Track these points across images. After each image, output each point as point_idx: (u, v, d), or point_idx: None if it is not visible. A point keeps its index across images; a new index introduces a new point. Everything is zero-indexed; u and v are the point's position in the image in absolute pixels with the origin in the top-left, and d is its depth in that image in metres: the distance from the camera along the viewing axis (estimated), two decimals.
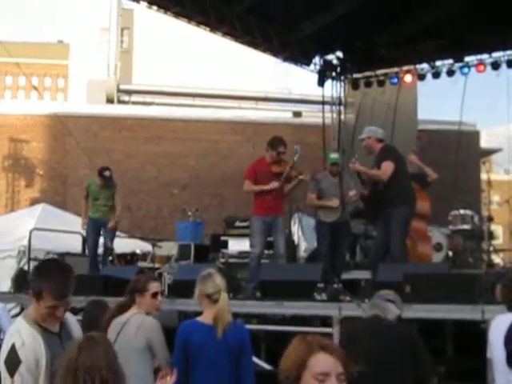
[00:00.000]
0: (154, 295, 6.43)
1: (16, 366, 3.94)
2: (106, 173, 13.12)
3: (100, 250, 13.55)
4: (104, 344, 3.59)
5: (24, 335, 4.03)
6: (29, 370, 3.96)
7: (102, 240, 13.32)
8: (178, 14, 16.36)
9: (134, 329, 6.08)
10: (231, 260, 13.83)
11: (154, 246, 15.23)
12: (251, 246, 10.93)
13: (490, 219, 14.66)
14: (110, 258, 13.25)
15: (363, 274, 11.87)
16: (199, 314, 6.06)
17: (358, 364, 5.57)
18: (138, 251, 15.16)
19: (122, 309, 6.38)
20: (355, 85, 20.17)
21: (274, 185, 10.45)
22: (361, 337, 5.73)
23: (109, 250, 13.14)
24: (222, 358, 5.64)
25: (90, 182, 13.58)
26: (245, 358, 5.78)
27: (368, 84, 19.85)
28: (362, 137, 10.45)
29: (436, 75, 18.86)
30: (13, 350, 3.97)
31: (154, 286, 6.48)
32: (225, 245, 14.22)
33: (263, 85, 35.14)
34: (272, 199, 10.49)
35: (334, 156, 11.18)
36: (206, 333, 5.67)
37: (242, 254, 11.96)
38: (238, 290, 10.36)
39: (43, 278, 4.14)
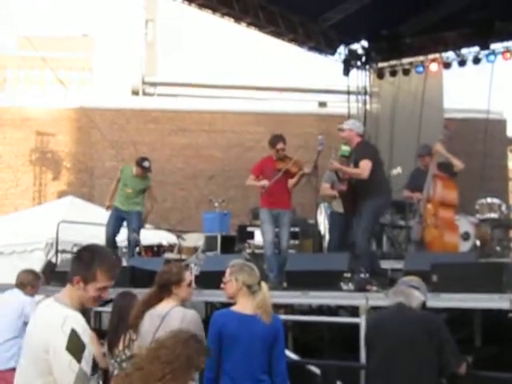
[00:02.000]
0: (190, 284, 6.48)
1: (82, 351, 3.95)
2: (146, 163, 12.82)
3: (125, 243, 13.58)
4: None
5: (80, 321, 4.07)
6: (89, 355, 4.02)
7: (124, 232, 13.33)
8: (202, 6, 16.38)
9: (177, 323, 6.06)
10: (257, 251, 13.83)
11: (178, 237, 15.26)
12: (262, 234, 11.13)
13: None
14: (137, 249, 13.23)
15: (390, 264, 11.85)
16: (226, 304, 6.06)
17: (384, 352, 5.59)
18: (164, 243, 15.18)
19: (152, 301, 6.38)
20: (380, 74, 20.11)
21: (263, 183, 10.79)
22: (385, 325, 5.72)
23: (134, 242, 13.05)
24: (256, 348, 5.63)
25: (124, 167, 13.36)
26: (278, 348, 5.76)
27: (393, 73, 19.79)
28: (344, 127, 10.53)
29: (462, 63, 18.77)
30: (75, 335, 3.95)
31: (188, 275, 6.52)
32: (251, 236, 14.23)
33: (288, 75, 35.06)
34: (274, 194, 10.80)
35: (344, 148, 11.21)
36: (242, 323, 5.65)
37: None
38: (265, 281, 10.36)
39: (97, 259, 4.25)
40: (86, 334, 4.03)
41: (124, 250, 13.74)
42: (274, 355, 5.70)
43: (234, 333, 5.63)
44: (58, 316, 4.04)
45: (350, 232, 11.10)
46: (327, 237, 13.80)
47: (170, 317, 6.12)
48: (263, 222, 11.04)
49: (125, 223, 13.17)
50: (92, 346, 4.76)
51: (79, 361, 3.92)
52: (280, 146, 11.01)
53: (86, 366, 3.97)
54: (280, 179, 10.83)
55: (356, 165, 10.19)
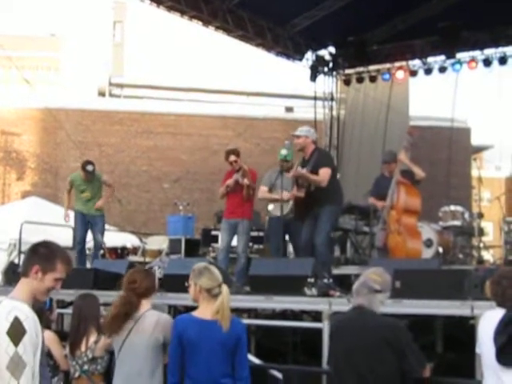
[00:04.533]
0: None
1: (21, 336, 4.03)
2: (89, 167, 13.00)
3: (89, 245, 13.55)
4: None
5: (25, 310, 4.15)
6: (31, 342, 4.09)
7: (90, 235, 13.32)
8: (170, 8, 16.33)
9: (152, 326, 6.06)
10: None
11: (141, 241, 15.23)
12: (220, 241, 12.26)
13: (481, 216, 14.71)
14: (102, 251, 13.21)
15: (354, 269, 11.91)
16: (189, 308, 6.04)
17: (342, 357, 5.60)
18: (128, 245, 15.14)
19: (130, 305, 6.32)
20: (347, 80, 20.20)
21: (227, 182, 11.57)
22: (345, 330, 5.71)
23: (99, 244, 13.08)
24: (217, 353, 5.59)
25: (73, 177, 13.41)
26: (240, 353, 5.73)
27: (360, 80, 19.88)
28: (299, 134, 10.63)
29: (428, 72, 18.90)
30: (17, 321, 4.05)
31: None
32: (215, 239, 14.22)
33: (255, 79, 35.13)
34: (231, 205, 11.64)
35: (282, 152, 11.29)
36: (202, 328, 5.61)
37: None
38: (229, 285, 10.37)
39: (58, 251, 4.43)
40: (30, 321, 4.12)
41: (87, 252, 13.72)
42: (236, 360, 5.66)
43: (194, 338, 5.59)
44: (4, 308, 4.13)
45: (291, 236, 11.42)
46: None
47: (144, 320, 6.10)
48: (221, 230, 12.06)
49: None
50: (54, 346, 4.71)
51: (16, 345, 4.01)
52: (232, 158, 11.59)
53: (25, 351, 4.04)
54: (236, 190, 11.47)
55: (314, 172, 10.28)
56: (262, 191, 11.63)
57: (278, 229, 11.12)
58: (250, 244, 13.44)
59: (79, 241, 12.97)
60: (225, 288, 5.77)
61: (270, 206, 11.56)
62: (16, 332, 4.04)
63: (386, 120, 19.76)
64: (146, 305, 6.26)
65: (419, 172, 11.39)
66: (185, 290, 6.02)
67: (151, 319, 6.10)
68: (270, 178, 11.50)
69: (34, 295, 4.32)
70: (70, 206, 13.35)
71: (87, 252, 13.64)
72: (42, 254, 4.36)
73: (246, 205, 11.50)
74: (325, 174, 10.27)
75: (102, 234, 13.17)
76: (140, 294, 6.25)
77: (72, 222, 13.39)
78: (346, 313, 6.01)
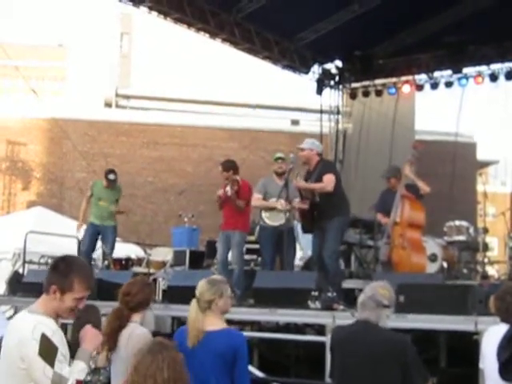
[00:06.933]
0: None
1: (54, 354, 3.96)
2: (111, 176, 13.07)
3: (95, 255, 13.56)
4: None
5: (50, 325, 4.07)
6: (64, 356, 4.04)
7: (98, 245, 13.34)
8: (177, 20, 16.37)
9: (125, 341, 6.03)
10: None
11: (145, 252, 15.20)
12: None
13: (486, 231, 14.67)
14: (106, 262, 13.22)
15: (358, 284, 11.88)
16: None
17: (346, 370, 5.58)
18: (132, 256, 15.12)
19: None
20: (353, 94, 20.20)
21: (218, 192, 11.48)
22: (351, 343, 5.65)
23: (107, 256, 13.10)
24: (216, 366, 5.53)
25: (95, 182, 13.56)
26: (239, 366, 5.65)
27: (366, 94, 19.88)
28: (304, 147, 10.65)
29: (434, 86, 18.88)
30: (46, 339, 3.96)
31: None
32: None
33: (262, 92, 35.19)
34: (224, 217, 11.56)
35: (278, 155, 11.34)
36: (201, 339, 5.58)
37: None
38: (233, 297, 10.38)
39: (75, 269, 4.28)
40: (57, 337, 4.05)
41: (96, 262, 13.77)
42: (235, 373, 5.60)
43: (191, 349, 5.55)
44: (28, 324, 4.05)
45: (284, 248, 11.11)
46: (297, 255, 13.82)
47: (122, 334, 6.06)
48: (218, 242, 11.83)
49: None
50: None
51: (52, 365, 3.94)
52: (220, 169, 11.62)
53: (61, 367, 3.98)
54: (229, 201, 11.32)
55: (318, 182, 10.29)
56: (256, 199, 11.54)
57: (270, 239, 11.13)
58: (254, 257, 13.43)
59: (85, 252, 12.94)
60: (192, 303, 5.64)
61: (265, 215, 11.49)
62: (48, 351, 3.95)
63: (392, 134, 19.77)
64: (134, 318, 6.19)
65: (424, 186, 11.40)
66: (188, 301, 5.97)
67: (126, 334, 6.05)
68: (263, 185, 11.47)
69: (57, 313, 4.24)
70: (85, 217, 13.33)
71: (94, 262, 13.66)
72: (60, 271, 4.26)
73: (238, 216, 11.40)
74: (328, 179, 10.28)
75: (112, 246, 13.18)
76: (132, 308, 6.19)
77: (79, 233, 13.41)
78: (348, 326, 5.96)
